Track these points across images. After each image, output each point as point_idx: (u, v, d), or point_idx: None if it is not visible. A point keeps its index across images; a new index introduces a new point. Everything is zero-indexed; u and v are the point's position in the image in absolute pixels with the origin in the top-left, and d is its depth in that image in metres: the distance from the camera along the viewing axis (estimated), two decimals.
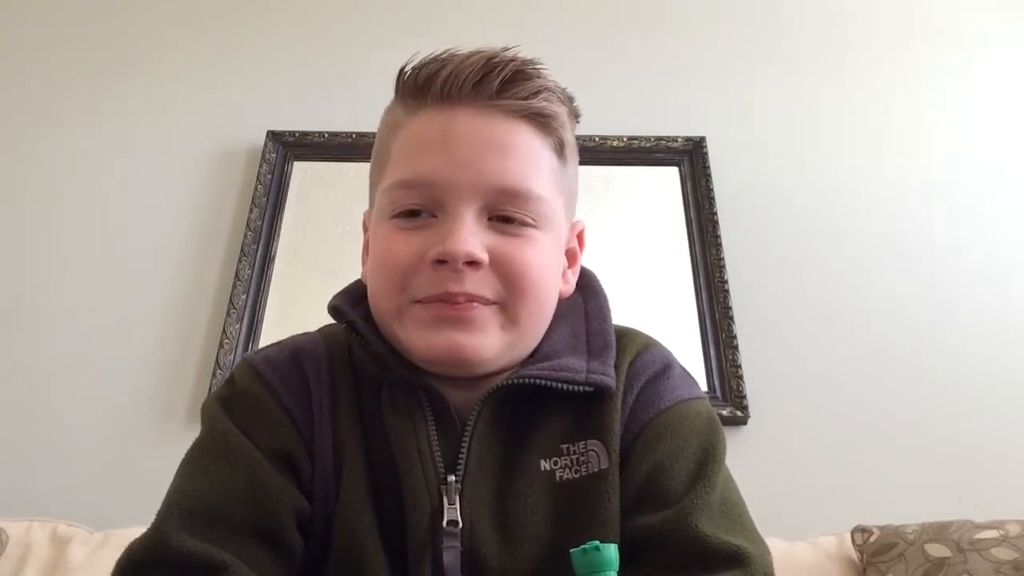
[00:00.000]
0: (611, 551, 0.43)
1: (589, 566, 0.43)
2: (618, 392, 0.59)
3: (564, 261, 0.65)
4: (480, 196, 0.56)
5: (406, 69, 0.60)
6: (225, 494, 0.53)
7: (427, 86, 0.58)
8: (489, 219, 0.57)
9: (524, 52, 0.60)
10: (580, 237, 0.68)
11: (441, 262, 0.54)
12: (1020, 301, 1.60)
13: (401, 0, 2.00)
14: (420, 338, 0.56)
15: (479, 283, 0.55)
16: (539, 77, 0.59)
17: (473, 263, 0.54)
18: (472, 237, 0.54)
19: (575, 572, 0.43)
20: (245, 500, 0.53)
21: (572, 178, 0.65)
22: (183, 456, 0.58)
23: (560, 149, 0.61)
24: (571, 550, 0.43)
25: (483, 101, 0.57)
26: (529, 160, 0.58)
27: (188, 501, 0.53)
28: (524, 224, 0.57)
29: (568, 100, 0.63)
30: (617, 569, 0.43)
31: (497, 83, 0.57)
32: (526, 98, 0.58)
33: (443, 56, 0.59)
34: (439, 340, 0.55)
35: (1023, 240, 1.68)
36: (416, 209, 0.57)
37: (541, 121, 0.59)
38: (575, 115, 0.65)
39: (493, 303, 0.56)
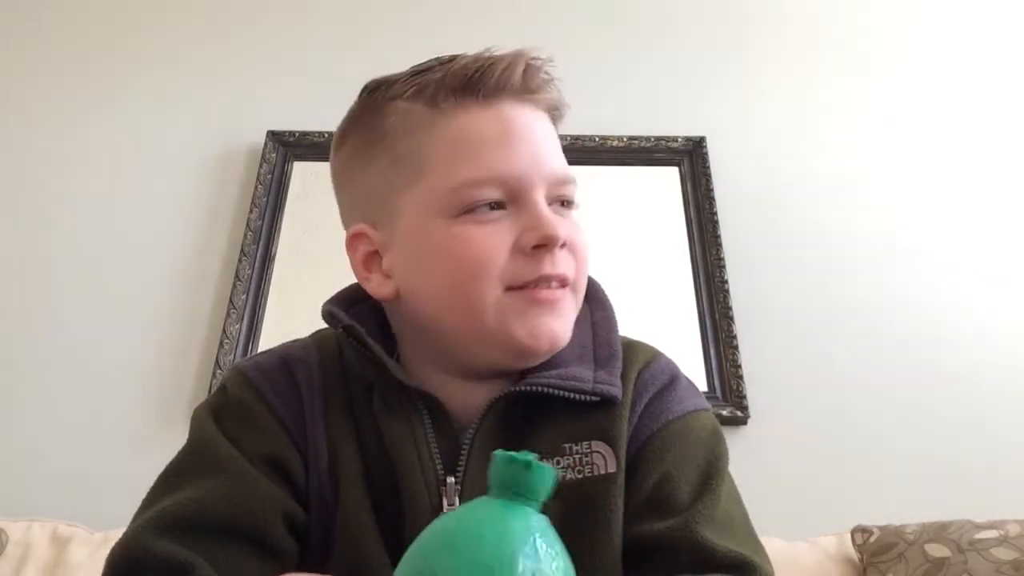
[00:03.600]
0: (548, 474, 0.34)
1: (517, 484, 0.34)
2: (626, 401, 0.60)
3: None
4: (546, 185, 0.60)
5: (453, 67, 0.60)
6: (207, 501, 0.53)
7: (476, 83, 0.60)
8: (549, 205, 0.60)
9: (537, 46, 0.64)
10: None
11: (539, 247, 0.57)
12: (1020, 301, 1.60)
13: (402, 0, 2.00)
14: (522, 327, 0.58)
15: (565, 264, 0.59)
16: (550, 73, 0.64)
17: (563, 245, 0.59)
18: (556, 220, 0.58)
19: (489, 481, 0.34)
20: (227, 505, 0.53)
21: None
22: (167, 463, 0.58)
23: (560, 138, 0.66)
24: (495, 451, 0.35)
25: (524, 96, 0.61)
26: (560, 148, 0.63)
27: (170, 506, 0.53)
28: (572, 207, 0.63)
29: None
30: (545, 500, 0.34)
31: (537, 79, 0.62)
32: (549, 92, 0.63)
33: (484, 55, 0.62)
34: (541, 329, 0.58)
35: (1022, 241, 1.68)
36: (495, 203, 0.59)
37: (556, 113, 0.65)
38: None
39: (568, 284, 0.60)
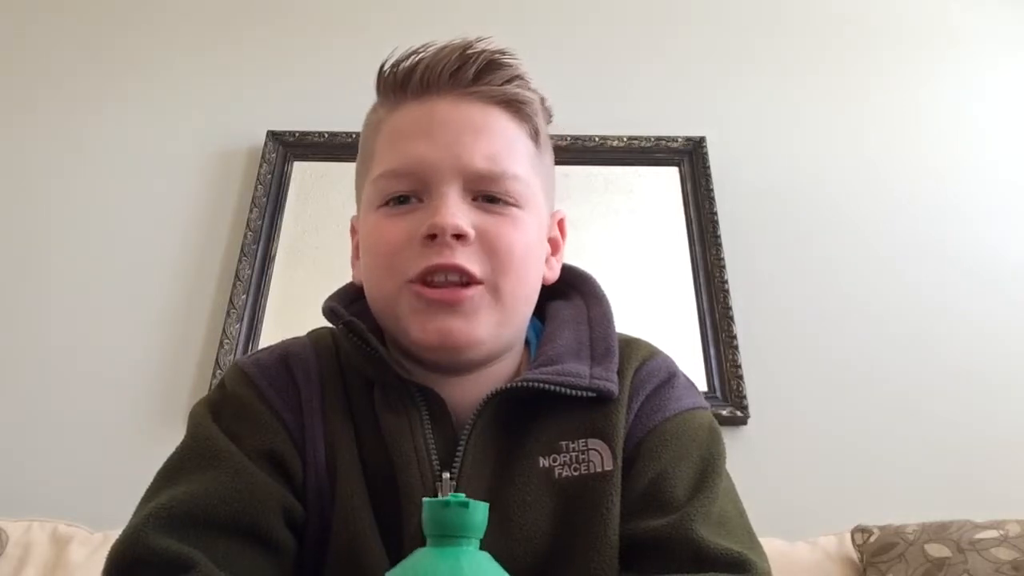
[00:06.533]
0: (480, 511, 0.35)
1: (442, 526, 0.35)
2: (623, 398, 0.60)
3: (547, 247, 0.66)
4: (461, 176, 0.58)
5: (384, 67, 0.63)
6: (206, 496, 0.53)
7: (406, 80, 0.61)
8: (474, 199, 0.59)
9: (496, 42, 0.63)
10: (561, 226, 0.69)
11: (431, 237, 0.56)
12: (1019, 301, 1.60)
13: (401, 0, 2.00)
14: (415, 324, 0.58)
15: (467, 257, 0.57)
16: (511, 66, 0.62)
17: (461, 236, 0.56)
18: (459, 212, 0.57)
19: (422, 526, 0.35)
20: (227, 500, 0.53)
21: (549, 167, 0.67)
22: (166, 460, 0.58)
23: (535, 136, 0.64)
24: (424, 499, 0.36)
25: (460, 90, 0.60)
26: (506, 142, 0.61)
27: (169, 502, 0.53)
28: (507, 204, 0.60)
29: (539, 96, 0.65)
30: (482, 537, 0.35)
31: (472, 72, 0.60)
32: (501, 85, 0.61)
33: (419, 50, 0.62)
34: (433, 326, 0.57)
35: (1021, 241, 1.68)
36: (404, 195, 0.59)
37: (516, 107, 0.62)
38: (548, 113, 0.67)
39: (479, 282, 0.58)
